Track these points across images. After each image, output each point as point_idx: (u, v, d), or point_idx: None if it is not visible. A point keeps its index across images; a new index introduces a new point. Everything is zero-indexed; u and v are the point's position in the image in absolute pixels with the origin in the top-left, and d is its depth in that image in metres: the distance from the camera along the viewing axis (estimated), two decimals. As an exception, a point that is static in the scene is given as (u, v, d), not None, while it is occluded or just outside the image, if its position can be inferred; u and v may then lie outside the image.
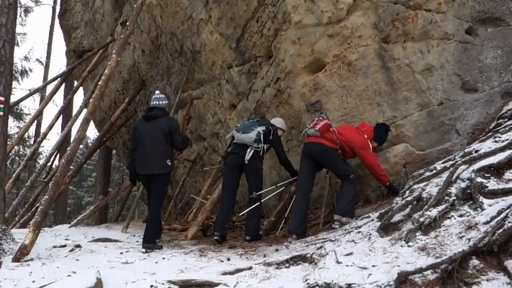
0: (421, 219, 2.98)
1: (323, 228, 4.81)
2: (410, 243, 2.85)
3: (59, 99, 18.24)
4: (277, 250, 4.04)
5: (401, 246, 2.88)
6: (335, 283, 2.66)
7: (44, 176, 9.91)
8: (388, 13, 4.66)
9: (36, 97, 18.53)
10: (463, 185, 3.10)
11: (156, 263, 3.85)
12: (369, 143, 4.67)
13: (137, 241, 5.24)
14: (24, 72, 19.45)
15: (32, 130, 17.36)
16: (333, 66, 5.04)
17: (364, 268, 2.76)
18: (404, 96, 4.78)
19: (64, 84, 11.09)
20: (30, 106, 55.90)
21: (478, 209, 2.86)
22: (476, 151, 3.57)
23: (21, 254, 3.73)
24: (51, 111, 70.01)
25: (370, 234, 3.29)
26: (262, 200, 5.19)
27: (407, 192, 3.71)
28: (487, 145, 3.61)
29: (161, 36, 7.80)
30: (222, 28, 6.21)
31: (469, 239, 2.52)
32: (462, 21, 4.59)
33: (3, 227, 4.09)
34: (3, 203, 4.25)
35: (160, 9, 7.29)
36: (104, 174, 14.15)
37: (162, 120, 4.90)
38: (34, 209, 8.24)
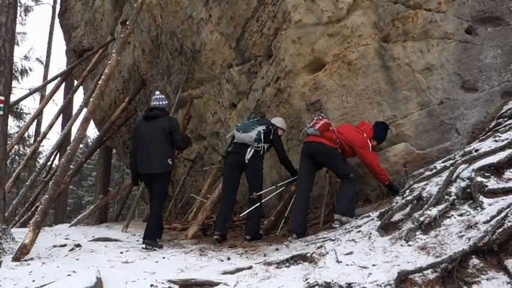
0: (421, 219, 2.98)
1: (323, 227, 4.81)
2: (410, 243, 2.85)
3: (59, 98, 18.19)
4: (277, 249, 4.05)
5: (402, 245, 2.89)
6: (335, 282, 2.66)
7: (44, 176, 9.91)
8: (388, 12, 4.66)
9: (36, 96, 18.54)
10: (463, 184, 3.10)
11: (156, 262, 3.85)
12: (369, 142, 4.68)
13: (137, 240, 5.24)
14: (24, 72, 19.45)
15: (32, 129, 17.38)
16: (333, 65, 5.04)
17: (364, 267, 2.76)
18: (404, 96, 4.78)
19: (64, 83, 11.08)
20: (30, 105, 55.89)
21: (478, 208, 2.86)
22: (476, 150, 3.57)
23: (21, 254, 3.73)
24: (51, 110, 70.10)
25: (370, 234, 3.30)
26: (262, 201, 5.20)
27: (408, 191, 3.71)
28: (487, 144, 3.61)
29: (161, 36, 7.80)
30: (222, 27, 6.21)
31: (469, 238, 2.53)
32: (462, 21, 4.59)
33: (3, 226, 4.09)
34: (3, 202, 4.25)
35: (161, 9, 7.29)
36: (104, 174, 14.15)
37: (162, 120, 4.94)
38: (34, 208, 8.24)
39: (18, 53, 21.20)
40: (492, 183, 3.03)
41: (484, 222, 2.63)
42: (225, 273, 3.29)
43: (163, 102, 5.14)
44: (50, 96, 9.91)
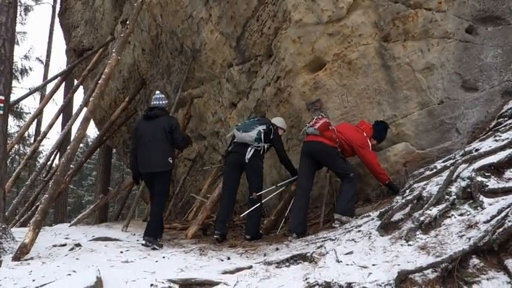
0: (422, 218, 2.98)
1: (323, 227, 4.81)
2: (410, 242, 2.85)
3: (59, 98, 18.21)
4: (277, 249, 4.04)
5: (402, 245, 2.88)
6: (335, 282, 2.66)
7: (44, 175, 9.91)
8: (388, 12, 4.66)
9: (36, 96, 18.54)
10: (463, 184, 3.10)
11: (156, 261, 3.85)
12: (368, 141, 4.67)
13: (137, 240, 5.24)
14: (24, 71, 19.46)
15: (32, 129, 17.38)
16: (333, 65, 5.04)
17: (364, 267, 2.76)
18: (404, 95, 4.77)
19: (64, 83, 11.07)
20: (30, 105, 55.83)
21: (478, 208, 2.86)
22: (477, 150, 3.57)
23: (21, 253, 3.73)
24: (51, 110, 69.97)
25: (370, 233, 3.29)
26: (263, 201, 5.20)
27: (408, 191, 3.71)
28: (487, 144, 3.61)
29: (161, 35, 7.80)
30: (222, 27, 6.20)
31: (469, 238, 2.53)
32: (462, 20, 4.59)
33: (4, 226, 4.09)
34: (3, 201, 4.25)
35: (161, 8, 7.29)
36: (104, 173, 14.15)
37: (162, 119, 4.97)
38: (34, 208, 8.24)
39: (18, 52, 21.22)
40: (492, 183, 3.03)
41: (484, 222, 2.63)
42: (225, 272, 3.29)
43: (163, 102, 5.17)
44: (50, 96, 9.91)
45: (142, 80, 8.99)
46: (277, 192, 5.58)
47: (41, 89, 14.41)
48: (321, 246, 3.48)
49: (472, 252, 2.40)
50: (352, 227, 3.85)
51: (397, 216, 3.30)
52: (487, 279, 2.26)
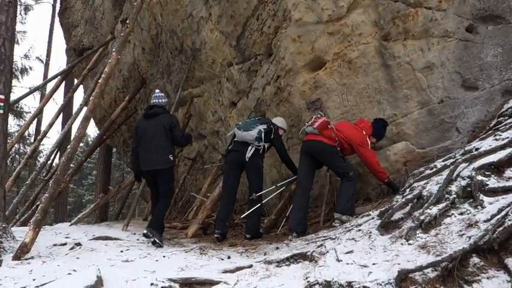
0: (422, 217, 2.98)
1: (323, 226, 4.81)
2: (410, 241, 2.85)
3: (59, 97, 18.22)
4: (277, 248, 4.05)
5: (402, 244, 2.89)
6: (335, 281, 2.66)
7: (44, 174, 9.90)
8: (388, 11, 4.65)
9: (36, 95, 18.51)
10: (463, 183, 3.10)
11: (157, 261, 3.85)
12: (368, 139, 4.67)
13: (137, 239, 5.24)
14: (24, 70, 19.43)
15: (32, 128, 17.38)
16: (333, 64, 5.03)
17: (365, 266, 2.76)
18: (404, 94, 4.77)
19: (64, 82, 11.06)
20: (31, 104, 55.97)
21: (479, 207, 2.86)
22: (477, 149, 3.57)
23: (22, 252, 3.73)
24: (51, 109, 70.03)
25: (371, 232, 3.30)
26: (263, 201, 5.20)
27: (408, 190, 3.71)
28: (488, 143, 3.61)
29: (161, 34, 7.79)
30: (222, 26, 6.20)
31: (470, 237, 2.53)
32: (463, 19, 4.58)
33: (4, 225, 4.09)
34: (3, 201, 4.25)
35: (161, 7, 7.28)
36: (104, 173, 14.15)
37: (162, 117, 5.03)
38: (34, 207, 8.23)
39: (19, 51, 21.20)
40: (492, 182, 3.03)
41: (485, 221, 2.63)
42: (225, 272, 3.28)
43: (163, 100, 5.24)
44: (50, 95, 9.90)
45: (143, 79, 8.99)
46: (277, 192, 5.59)
47: (41, 88, 14.40)
48: (321, 245, 3.48)
49: (472, 251, 2.40)
50: (352, 226, 3.85)
51: (397, 215, 3.30)
52: (487, 278, 2.26)
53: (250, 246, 4.45)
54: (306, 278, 2.89)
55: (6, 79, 4.32)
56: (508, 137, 3.47)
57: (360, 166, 4.99)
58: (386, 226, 3.27)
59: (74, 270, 3.19)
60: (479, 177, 3.06)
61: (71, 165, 7.46)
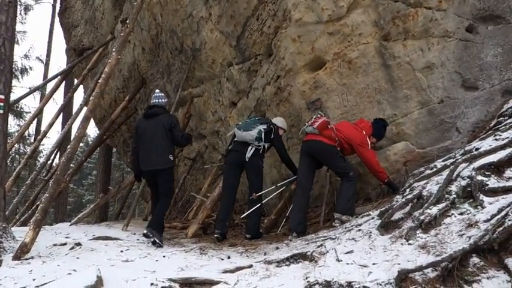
0: (422, 217, 2.98)
1: (323, 226, 4.81)
2: (410, 241, 2.85)
3: (59, 97, 18.22)
4: (277, 248, 4.05)
5: (402, 244, 2.88)
6: (335, 281, 2.66)
7: (44, 174, 9.90)
8: (388, 11, 4.65)
9: (37, 95, 18.51)
10: (463, 183, 3.10)
11: (157, 261, 3.85)
12: (367, 139, 4.67)
13: (137, 239, 5.24)
14: (24, 70, 19.43)
15: (32, 128, 17.38)
16: (333, 64, 5.03)
17: (365, 266, 2.76)
18: (404, 94, 4.77)
19: (64, 82, 11.06)
20: (31, 104, 55.96)
21: (479, 207, 2.86)
22: (477, 149, 3.57)
23: (22, 252, 3.73)
24: (51, 109, 70.05)
25: (371, 232, 3.29)
26: (263, 201, 5.20)
27: (408, 190, 3.71)
28: (488, 143, 3.61)
29: (161, 34, 7.79)
30: (222, 26, 6.20)
31: (470, 237, 2.53)
32: (463, 19, 4.58)
33: (4, 225, 4.09)
34: (3, 201, 4.25)
35: (161, 7, 7.28)
36: (104, 173, 14.15)
37: (162, 117, 5.05)
38: (34, 207, 8.23)
39: (19, 51, 21.20)
40: (492, 182, 3.03)
41: (485, 221, 2.63)
42: (225, 271, 3.28)
43: (163, 100, 5.25)
44: (50, 95, 9.90)
45: (143, 79, 8.99)
46: (277, 192, 5.59)
47: (41, 88, 14.40)
48: (321, 245, 3.48)
49: (472, 251, 2.40)
50: (352, 226, 3.85)
51: (397, 215, 3.30)
52: (487, 278, 2.26)
53: (250, 246, 4.45)
54: (306, 278, 2.89)
55: (6, 79, 4.32)
56: (508, 137, 3.47)
57: (360, 166, 4.99)
58: (387, 226, 3.27)
59: (74, 270, 3.19)
60: (479, 177, 3.06)
61: (71, 165, 7.46)
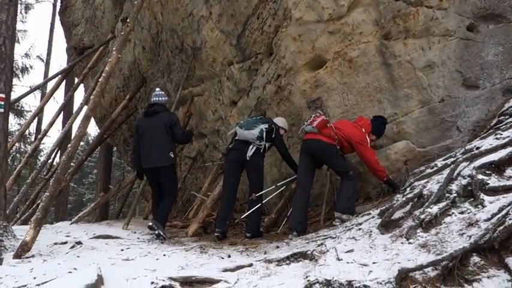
0: (422, 216, 2.98)
1: (324, 225, 4.81)
2: (411, 240, 2.85)
3: (59, 96, 18.34)
4: (277, 247, 4.05)
5: (402, 243, 2.89)
6: (335, 280, 2.66)
7: (44, 173, 9.90)
8: (389, 10, 4.65)
9: (37, 94, 18.48)
10: (464, 182, 3.09)
11: (157, 259, 3.85)
12: (367, 137, 4.67)
13: (138, 238, 5.25)
14: (24, 69, 19.42)
15: (32, 127, 17.37)
16: (334, 63, 5.03)
17: (365, 265, 2.76)
18: (405, 93, 4.77)
19: (65, 81, 11.04)
20: (31, 103, 55.97)
21: (479, 206, 2.86)
22: (477, 148, 3.57)
23: (22, 251, 3.74)
24: (51, 108, 70.13)
25: (371, 231, 3.29)
26: (263, 201, 5.21)
27: (408, 189, 3.71)
28: (488, 142, 3.60)
29: (162, 33, 7.79)
30: (222, 25, 6.19)
31: (470, 236, 2.53)
32: (463, 18, 4.58)
33: (5, 224, 4.10)
34: (4, 200, 4.25)
35: (161, 6, 7.28)
36: (104, 171, 14.15)
37: (162, 115, 5.09)
38: (35, 206, 8.23)
39: (19, 50, 21.26)
40: (493, 181, 3.02)
41: (485, 220, 2.63)
42: (225, 270, 3.28)
43: (164, 98, 5.30)
44: (50, 94, 9.90)
45: (143, 78, 8.99)
46: (277, 192, 5.59)
47: (42, 87, 14.40)
48: (322, 244, 3.48)
49: (472, 250, 2.40)
50: (352, 225, 3.85)
51: (398, 214, 3.30)
52: (488, 277, 2.26)
53: (251, 245, 4.45)
54: (306, 277, 2.89)
55: (6, 78, 4.33)
56: (508, 136, 3.47)
57: (360, 165, 4.99)
58: (387, 225, 3.27)
59: (75, 269, 3.19)
60: (480, 176, 3.06)
61: (72, 164, 7.46)
